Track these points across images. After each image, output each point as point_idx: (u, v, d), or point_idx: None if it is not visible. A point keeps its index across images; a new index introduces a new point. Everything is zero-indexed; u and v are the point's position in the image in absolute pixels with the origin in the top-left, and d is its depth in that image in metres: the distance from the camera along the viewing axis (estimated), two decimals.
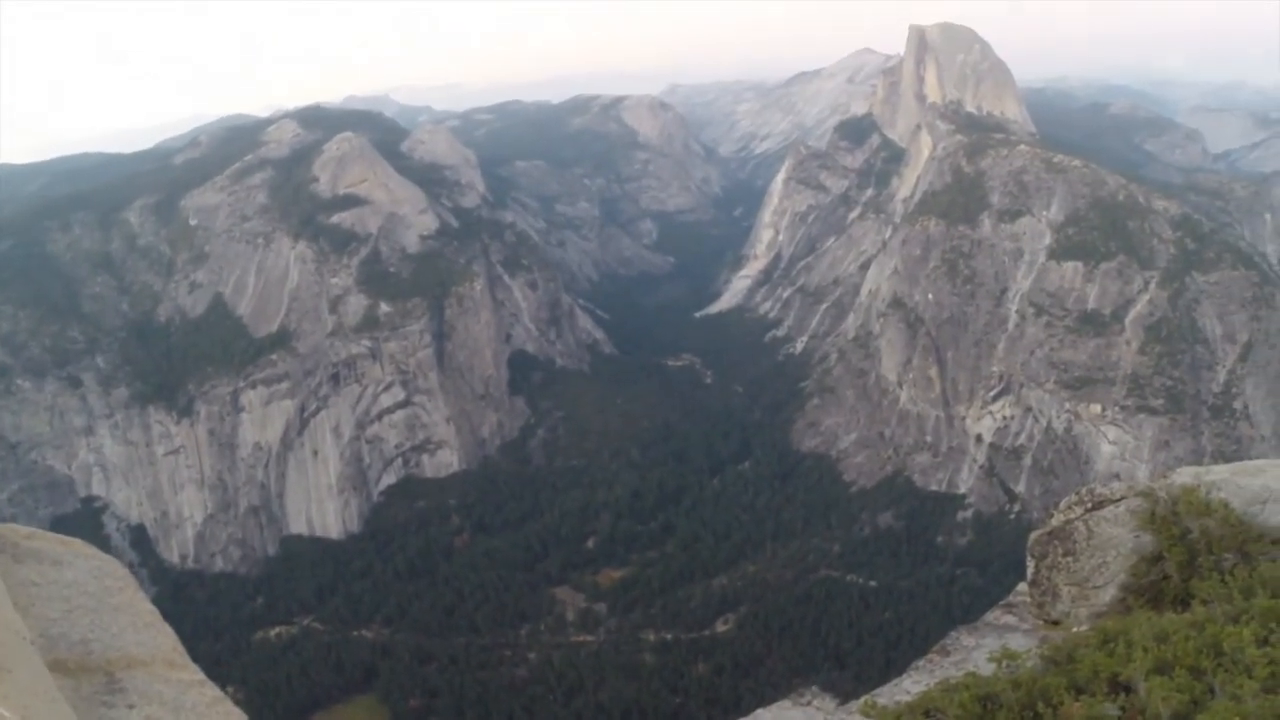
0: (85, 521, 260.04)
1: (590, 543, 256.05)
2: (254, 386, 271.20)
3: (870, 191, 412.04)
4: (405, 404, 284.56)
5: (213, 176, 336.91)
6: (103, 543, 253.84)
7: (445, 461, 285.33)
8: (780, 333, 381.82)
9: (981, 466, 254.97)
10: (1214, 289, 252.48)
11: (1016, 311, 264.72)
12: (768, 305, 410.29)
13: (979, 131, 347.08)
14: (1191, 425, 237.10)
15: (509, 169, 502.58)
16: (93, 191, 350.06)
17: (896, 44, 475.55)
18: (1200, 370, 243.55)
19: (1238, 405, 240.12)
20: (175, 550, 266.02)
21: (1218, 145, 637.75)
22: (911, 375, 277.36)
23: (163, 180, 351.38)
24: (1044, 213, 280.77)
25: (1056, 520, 20.43)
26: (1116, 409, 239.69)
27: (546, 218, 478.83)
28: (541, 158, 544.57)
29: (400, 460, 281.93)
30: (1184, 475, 19.95)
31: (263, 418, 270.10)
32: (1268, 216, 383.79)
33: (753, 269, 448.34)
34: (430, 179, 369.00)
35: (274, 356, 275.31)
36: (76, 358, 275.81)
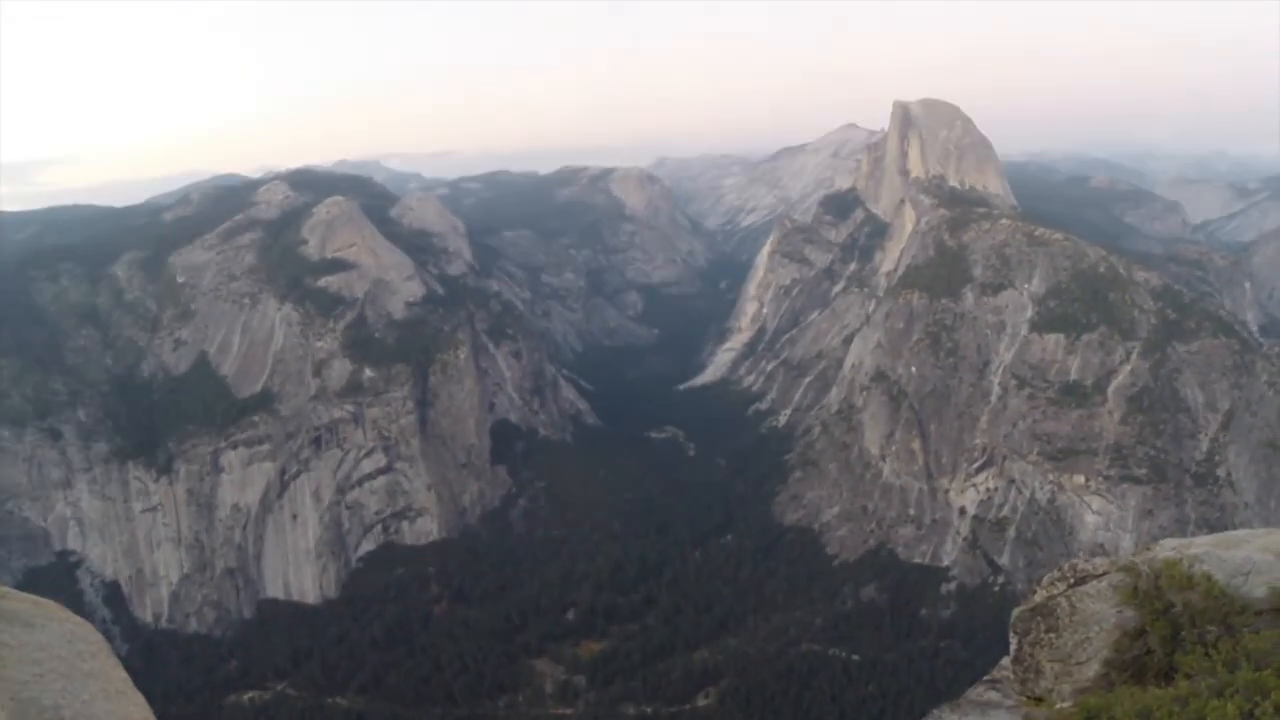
0: (59, 576, 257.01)
1: (570, 614, 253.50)
2: (235, 447, 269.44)
3: (854, 265, 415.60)
4: (386, 470, 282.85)
5: (202, 235, 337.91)
6: (76, 599, 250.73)
7: (425, 529, 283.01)
8: (763, 405, 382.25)
9: (965, 539, 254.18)
10: (1195, 358, 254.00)
11: (999, 384, 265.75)
12: (751, 378, 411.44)
13: (961, 206, 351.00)
14: (1175, 494, 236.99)
15: (496, 238, 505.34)
16: (81, 244, 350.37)
17: (880, 119, 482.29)
18: (1183, 439, 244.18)
19: (1221, 473, 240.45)
20: (149, 609, 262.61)
21: (1197, 216, 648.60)
22: (895, 448, 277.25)
23: (152, 236, 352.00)
24: (1026, 285, 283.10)
25: (1039, 596, 20.34)
26: (1100, 479, 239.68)
27: (532, 288, 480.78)
28: (529, 228, 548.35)
29: (380, 527, 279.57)
30: (1166, 548, 19.94)
31: (243, 479, 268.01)
32: (1247, 285, 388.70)
33: (737, 342, 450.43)
34: (418, 246, 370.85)
35: (256, 418, 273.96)
36: (58, 410, 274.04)
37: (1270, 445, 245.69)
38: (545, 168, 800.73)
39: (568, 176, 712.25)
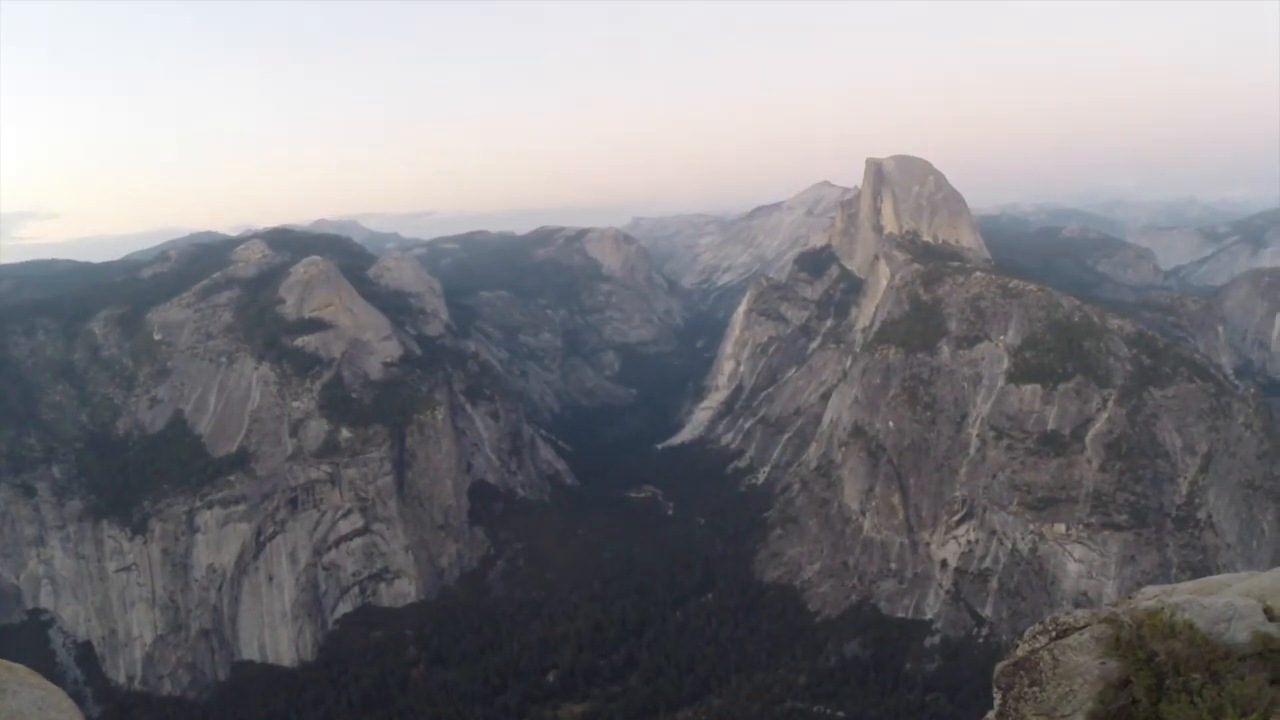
0: (31, 635, 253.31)
1: (551, 676, 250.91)
2: (210, 507, 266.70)
3: (830, 322, 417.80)
4: (363, 531, 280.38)
5: (180, 292, 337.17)
6: (48, 658, 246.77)
7: (403, 591, 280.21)
8: (742, 463, 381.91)
9: (948, 591, 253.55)
10: (1171, 403, 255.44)
11: (977, 436, 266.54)
12: (730, 436, 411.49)
13: (935, 260, 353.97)
14: (1156, 538, 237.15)
15: (473, 298, 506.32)
16: (59, 299, 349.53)
17: (854, 176, 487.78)
18: (1162, 483, 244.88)
19: (1201, 515, 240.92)
20: (122, 670, 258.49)
21: (1168, 262, 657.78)
22: (874, 503, 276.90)
23: (129, 293, 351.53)
24: (1001, 337, 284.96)
25: (1021, 650, 20.27)
26: (1081, 527, 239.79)
27: (509, 348, 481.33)
28: (506, 288, 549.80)
29: (357, 588, 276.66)
30: (1147, 597, 19.93)
31: (218, 539, 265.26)
32: (1220, 329, 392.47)
33: (714, 400, 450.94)
34: (395, 306, 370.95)
35: (232, 477, 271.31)
36: (32, 466, 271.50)
37: (1249, 486, 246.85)
38: (522, 228, 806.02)
39: (544, 237, 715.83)
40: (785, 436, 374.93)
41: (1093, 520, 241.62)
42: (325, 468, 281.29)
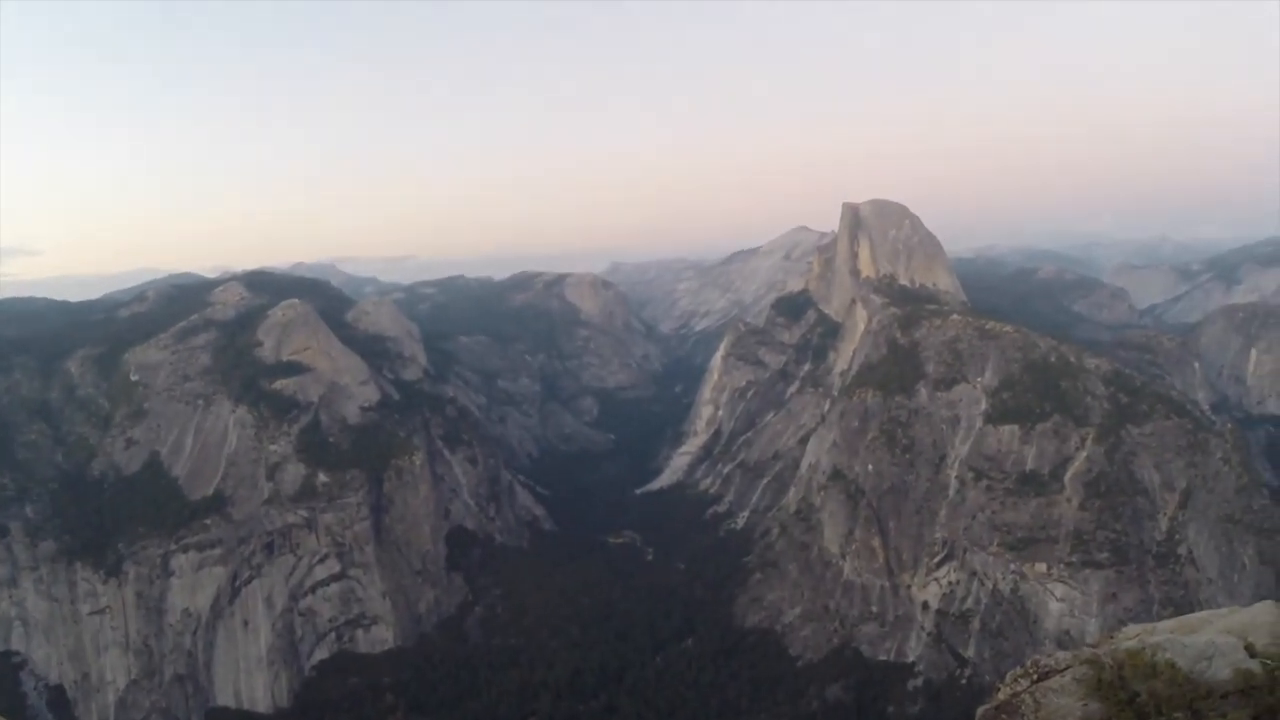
0: (1, 677, 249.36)
1: None
2: (186, 550, 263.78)
3: (808, 366, 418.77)
4: (340, 577, 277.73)
5: (157, 334, 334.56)
6: (19, 702, 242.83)
7: (380, 637, 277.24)
8: (721, 508, 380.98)
9: (929, 633, 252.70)
10: (1149, 440, 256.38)
11: (956, 477, 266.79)
12: (708, 481, 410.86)
13: (912, 303, 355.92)
14: (1138, 575, 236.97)
15: (452, 343, 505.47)
16: (35, 338, 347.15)
17: (830, 221, 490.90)
18: (1142, 520, 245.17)
19: (1182, 551, 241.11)
20: (95, 715, 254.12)
21: (1143, 301, 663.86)
22: (854, 546, 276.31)
23: (107, 333, 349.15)
24: (979, 379, 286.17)
25: (1003, 694, 20.15)
26: (1062, 566, 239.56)
27: (488, 393, 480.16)
28: (484, 333, 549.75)
29: (334, 634, 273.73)
30: (1129, 637, 19.84)
31: (193, 583, 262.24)
32: (1196, 365, 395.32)
33: (693, 445, 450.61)
34: (373, 350, 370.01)
35: (208, 521, 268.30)
36: (5, 505, 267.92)
37: (1229, 520, 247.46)
38: (500, 273, 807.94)
39: (523, 282, 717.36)
40: (764, 481, 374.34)
41: (1073, 559, 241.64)
42: (302, 512, 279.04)
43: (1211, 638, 18.81)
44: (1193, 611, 31.14)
